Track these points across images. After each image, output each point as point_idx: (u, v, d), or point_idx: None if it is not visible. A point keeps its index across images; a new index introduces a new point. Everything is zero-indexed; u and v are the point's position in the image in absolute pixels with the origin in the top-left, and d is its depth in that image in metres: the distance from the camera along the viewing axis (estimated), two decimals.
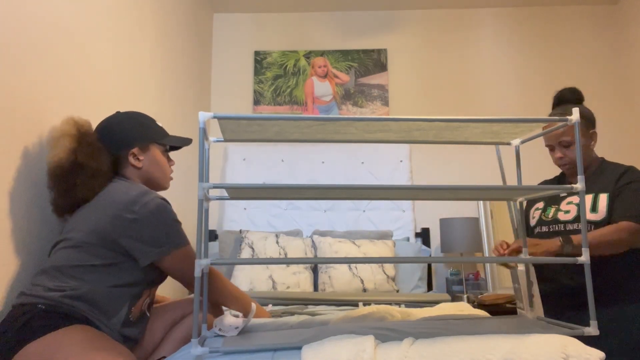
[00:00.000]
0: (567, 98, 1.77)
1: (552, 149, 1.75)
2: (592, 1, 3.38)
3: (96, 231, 1.28)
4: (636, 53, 3.20)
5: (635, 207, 1.56)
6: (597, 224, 1.60)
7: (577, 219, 1.65)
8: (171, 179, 1.55)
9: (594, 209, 1.63)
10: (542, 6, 3.44)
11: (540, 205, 1.82)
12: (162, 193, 2.44)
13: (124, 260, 1.31)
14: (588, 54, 3.37)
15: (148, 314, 1.44)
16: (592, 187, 1.69)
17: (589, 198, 1.66)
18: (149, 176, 1.47)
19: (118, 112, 1.51)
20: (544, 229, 1.76)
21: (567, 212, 1.70)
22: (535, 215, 1.82)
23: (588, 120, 1.72)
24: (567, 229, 1.68)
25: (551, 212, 1.76)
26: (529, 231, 1.84)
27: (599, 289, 1.56)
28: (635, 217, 1.54)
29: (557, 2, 3.40)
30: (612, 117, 3.28)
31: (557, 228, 1.71)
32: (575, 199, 1.69)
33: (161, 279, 1.43)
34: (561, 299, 1.68)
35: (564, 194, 1.73)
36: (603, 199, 1.63)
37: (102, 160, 1.38)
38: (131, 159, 1.44)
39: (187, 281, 1.34)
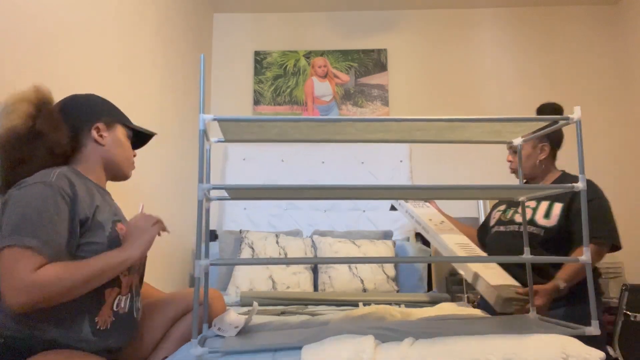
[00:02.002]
0: (545, 112, 1.85)
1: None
2: (592, 1, 3.38)
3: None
4: (636, 53, 3.20)
5: (595, 230, 1.61)
6: (547, 230, 1.72)
7: (530, 222, 1.76)
8: (133, 168, 1.36)
9: (547, 215, 1.74)
10: (542, 6, 3.44)
11: (502, 207, 1.94)
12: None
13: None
14: (588, 53, 3.37)
15: (135, 315, 1.28)
16: (550, 196, 1.76)
17: (544, 205, 1.76)
18: (110, 157, 1.28)
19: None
20: (501, 228, 1.88)
21: None
22: (495, 216, 1.95)
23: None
24: (520, 230, 1.77)
25: (510, 213, 1.88)
26: (487, 231, 1.96)
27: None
28: (595, 239, 1.62)
29: (557, 2, 3.40)
30: (612, 117, 3.28)
31: (512, 228, 1.83)
32: (532, 203, 1.80)
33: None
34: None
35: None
36: (557, 207, 1.73)
37: (62, 132, 1.20)
38: (94, 134, 1.25)
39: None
